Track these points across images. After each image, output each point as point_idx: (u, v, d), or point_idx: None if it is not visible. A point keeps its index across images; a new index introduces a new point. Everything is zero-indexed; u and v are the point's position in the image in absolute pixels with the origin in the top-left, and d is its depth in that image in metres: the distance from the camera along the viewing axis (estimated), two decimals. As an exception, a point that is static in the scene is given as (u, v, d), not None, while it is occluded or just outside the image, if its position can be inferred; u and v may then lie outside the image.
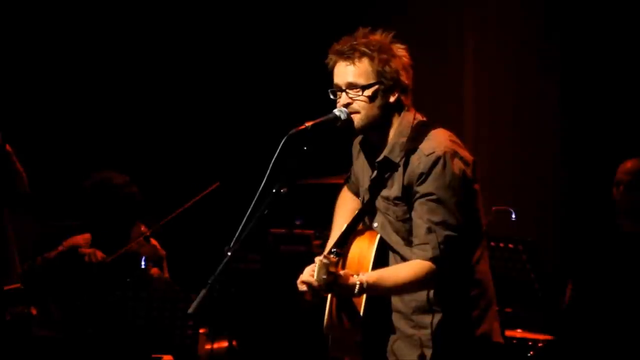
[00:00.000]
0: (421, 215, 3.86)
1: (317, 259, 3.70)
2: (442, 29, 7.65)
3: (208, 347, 6.38)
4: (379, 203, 4.01)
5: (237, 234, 3.70)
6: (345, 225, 4.06)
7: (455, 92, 7.71)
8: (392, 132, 3.97)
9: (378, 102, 3.93)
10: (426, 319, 3.95)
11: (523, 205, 6.66)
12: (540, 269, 6.09)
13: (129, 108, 7.98)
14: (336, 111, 3.94)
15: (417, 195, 3.88)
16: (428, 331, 3.94)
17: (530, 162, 7.55)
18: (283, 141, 3.79)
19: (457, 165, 3.87)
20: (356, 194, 4.24)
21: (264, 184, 3.77)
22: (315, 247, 7.08)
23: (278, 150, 3.77)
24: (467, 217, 3.89)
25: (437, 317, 3.95)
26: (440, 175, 3.84)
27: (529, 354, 6.14)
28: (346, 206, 4.25)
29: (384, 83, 3.92)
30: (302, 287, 3.80)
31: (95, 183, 6.09)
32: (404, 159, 3.92)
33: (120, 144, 7.82)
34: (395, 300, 3.99)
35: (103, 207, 6.06)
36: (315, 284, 3.68)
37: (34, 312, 5.88)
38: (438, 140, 3.92)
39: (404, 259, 3.94)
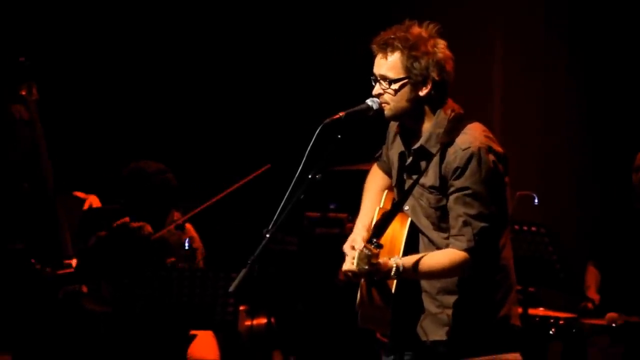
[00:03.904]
0: (457, 209, 3.94)
1: (358, 248, 3.84)
2: (470, 24, 7.76)
3: (248, 323, 6.57)
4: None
5: (275, 218, 3.79)
6: (377, 210, 4.16)
7: (484, 83, 7.83)
8: (427, 123, 4.03)
9: (407, 95, 3.98)
10: (451, 299, 4.03)
11: (546, 190, 6.81)
12: (562, 251, 6.23)
13: (167, 97, 8.08)
14: (368, 101, 4.01)
15: (453, 189, 3.96)
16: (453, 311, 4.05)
17: (554, 150, 7.64)
18: (318, 130, 3.88)
19: (492, 160, 3.95)
20: (387, 172, 4.29)
21: (300, 170, 3.84)
22: (348, 229, 7.25)
23: (313, 139, 3.86)
24: (498, 208, 3.98)
25: (462, 298, 4.04)
26: (476, 170, 3.92)
27: (550, 332, 6.29)
28: (376, 184, 4.29)
29: (413, 78, 3.97)
30: (347, 274, 3.88)
31: (131, 171, 6.12)
32: (440, 151, 3.99)
33: (158, 132, 7.92)
34: (422, 281, 4.06)
35: (138, 194, 6.09)
36: (357, 272, 3.80)
37: (85, 289, 6.02)
38: (474, 135, 3.98)
39: (432, 242, 4.03)
